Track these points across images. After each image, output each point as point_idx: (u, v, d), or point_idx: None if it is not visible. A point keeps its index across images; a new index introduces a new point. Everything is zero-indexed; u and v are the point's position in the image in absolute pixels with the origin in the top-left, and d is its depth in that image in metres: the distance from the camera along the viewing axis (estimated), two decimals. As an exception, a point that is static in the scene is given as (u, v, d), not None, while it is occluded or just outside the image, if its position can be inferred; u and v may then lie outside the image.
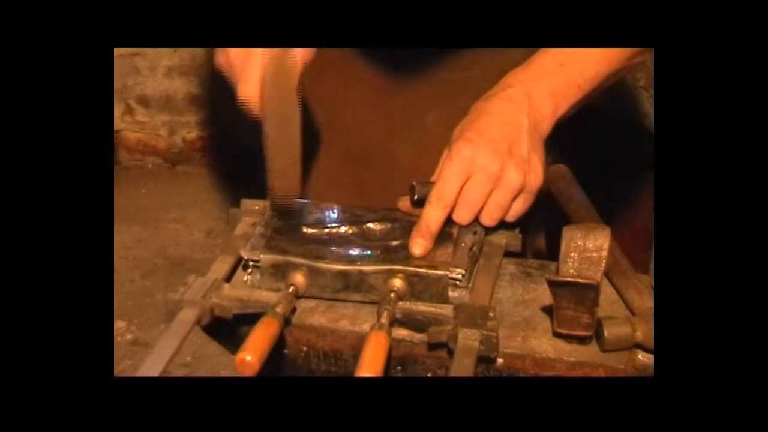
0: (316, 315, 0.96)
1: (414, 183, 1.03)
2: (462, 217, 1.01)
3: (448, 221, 1.02)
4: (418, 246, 0.98)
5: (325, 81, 1.24)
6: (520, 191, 1.01)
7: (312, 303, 0.98)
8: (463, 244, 0.99)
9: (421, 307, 0.94)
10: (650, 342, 0.87)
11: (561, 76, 1.04)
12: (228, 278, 1.00)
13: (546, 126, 1.04)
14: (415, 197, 1.03)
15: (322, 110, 1.25)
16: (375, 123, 1.23)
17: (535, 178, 1.01)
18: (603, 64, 1.05)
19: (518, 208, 1.02)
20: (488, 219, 1.02)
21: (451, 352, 0.88)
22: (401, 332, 0.93)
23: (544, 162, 1.03)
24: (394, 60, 1.20)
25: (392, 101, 1.22)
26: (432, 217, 0.99)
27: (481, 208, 1.01)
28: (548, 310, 0.93)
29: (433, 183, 1.01)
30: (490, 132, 1.00)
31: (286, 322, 0.93)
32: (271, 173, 1.04)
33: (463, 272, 0.95)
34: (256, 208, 1.09)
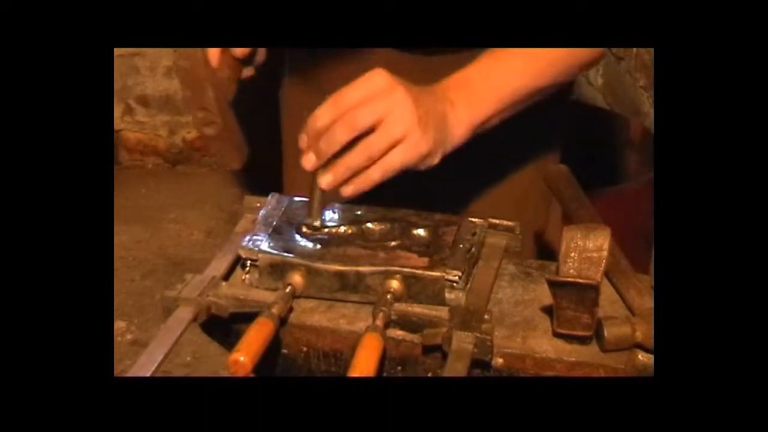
0: (316, 315, 0.96)
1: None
2: (342, 128, 0.95)
3: (448, 223, 1.02)
4: (301, 140, 0.97)
5: (332, 78, 1.24)
6: (405, 138, 0.96)
7: (312, 303, 0.98)
8: (461, 246, 0.99)
9: (417, 308, 0.94)
10: (650, 342, 0.87)
11: (484, 85, 1.04)
12: (227, 276, 1.00)
13: (460, 131, 1.02)
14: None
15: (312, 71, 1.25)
16: None
17: (427, 137, 0.96)
18: (528, 77, 1.06)
19: (397, 159, 0.97)
20: (361, 154, 0.96)
21: (445, 355, 0.88)
22: (402, 332, 0.93)
23: (440, 151, 1.00)
24: (403, 59, 1.20)
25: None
26: (322, 111, 0.95)
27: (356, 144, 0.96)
28: (548, 310, 0.93)
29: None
30: (410, 84, 0.98)
31: (282, 322, 0.93)
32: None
33: (460, 274, 0.94)
34: (258, 205, 1.09)
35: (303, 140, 0.98)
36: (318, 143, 0.96)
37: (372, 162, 0.96)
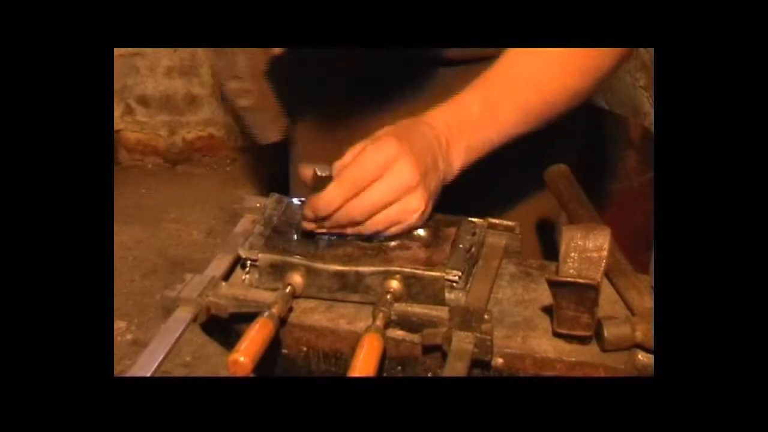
0: (316, 315, 0.96)
1: (315, 168, 0.97)
2: (347, 218, 0.97)
3: (448, 223, 1.02)
4: (307, 213, 0.98)
5: (327, 83, 1.24)
6: (404, 221, 0.99)
7: (312, 303, 0.98)
8: (461, 246, 0.99)
9: (417, 308, 0.94)
10: (650, 342, 0.87)
11: (480, 129, 1.04)
12: (226, 276, 1.00)
13: (449, 179, 1.03)
14: (318, 174, 0.97)
15: (324, 110, 1.26)
16: (378, 123, 1.23)
17: (420, 216, 0.99)
18: (520, 126, 1.06)
19: (393, 230, 1.00)
20: (370, 227, 0.98)
21: (444, 355, 0.88)
22: (402, 332, 0.93)
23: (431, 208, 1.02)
24: (392, 64, 1.20)
25: (390, 104, 1.22)
26: (332, 196, 0.96)
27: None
28: (548, 310, 0.93)
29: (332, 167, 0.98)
30: (417, 147, 0.98)
31: (282, 322, 0.93)
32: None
33: (460, 274, 0.94)
34: (258, 205, 1.09)
35: (309, 214, 0.99)
36: (328, 221, 0.98)
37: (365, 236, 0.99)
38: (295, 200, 1.07)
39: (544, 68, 1.06)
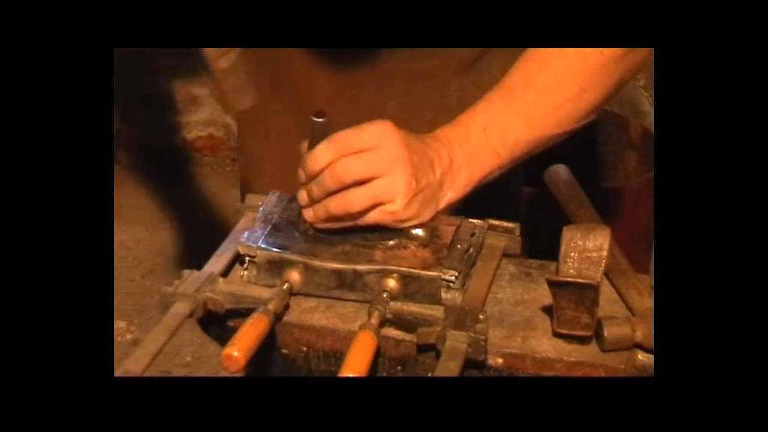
0: (316, 315, 0.96)
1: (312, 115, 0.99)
2: (331, 178, 0.97)
3: (446, 223, 1.02)
4: (300, 175, 0.99)
5: (292, 67, 1.23)
6: (388, 202, 0.98)
7: (312, 303, 0.98)
8: (458, 246, 0.99)
9: (412, 307, 0.94)
10: (650, 342, 0.87)
11: (482, 141, 1.03)
12: (225, 273, 1.00)
13: (454, 195, 1.03)
14: (314, 119, 0.98)
15: (287, 96, 1.25)
16: (340, 111, 1.22)
17: (404, 206, 0.98)
18: (525, 132, 1.04)
19: (372, 217, 0.99)
20: (354, 202, 0.98)
21: (438, 354, 0.88)
22: (402, 333, 0.93)
23: (425, 216, 1.01)
24: (358, 49, 1.20)
25: (356, 90, 1.22)
26: (321, 151, 0.97)
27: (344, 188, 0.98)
28: (548, 310, 0.93)
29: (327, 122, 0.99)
30: (414, 143, 0.99)
31: (278, 318, 0.93)
32: None
33: (456, 274, 0.94)
34: (260, 203, 1.09)
35: (301, 175, 1.00)
36: (310, 185, 0.99)
37: (348, 214, 0.98)
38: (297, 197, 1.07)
39: (552, 83, 1.05)
